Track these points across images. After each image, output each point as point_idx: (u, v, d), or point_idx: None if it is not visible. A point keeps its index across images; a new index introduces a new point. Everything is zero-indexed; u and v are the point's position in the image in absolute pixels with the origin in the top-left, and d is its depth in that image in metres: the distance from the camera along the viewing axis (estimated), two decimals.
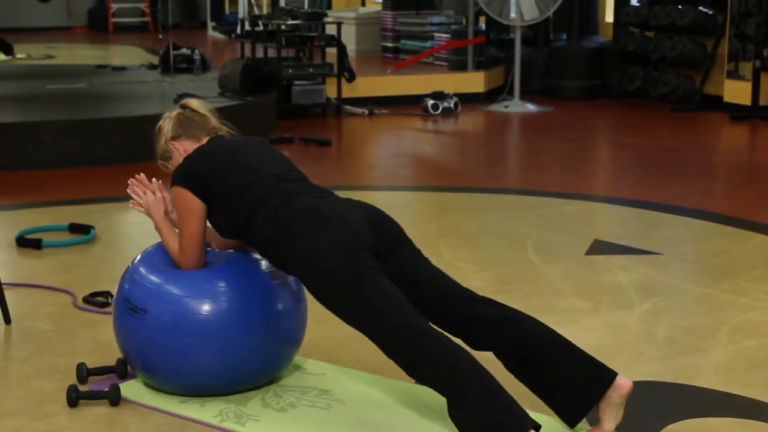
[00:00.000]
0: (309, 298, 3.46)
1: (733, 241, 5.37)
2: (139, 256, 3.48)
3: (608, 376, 3.05)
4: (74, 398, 3.32)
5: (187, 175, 3.29)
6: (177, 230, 3.39)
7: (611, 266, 4.91)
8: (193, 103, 3.55)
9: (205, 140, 3.44)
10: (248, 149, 3.40)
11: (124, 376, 3.51)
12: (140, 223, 5.95)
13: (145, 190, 3.50)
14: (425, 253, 3.30)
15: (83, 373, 3.49)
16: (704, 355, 3.79)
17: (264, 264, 3.39)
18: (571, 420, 3.08)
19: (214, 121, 3.51)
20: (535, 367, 3.08)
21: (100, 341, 3.92)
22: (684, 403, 3.38)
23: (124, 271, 3.48)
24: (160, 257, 3.44)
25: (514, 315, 3.14)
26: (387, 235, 3.20)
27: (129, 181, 3.53)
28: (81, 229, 5.45)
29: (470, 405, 2.85)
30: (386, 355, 3.02)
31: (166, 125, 3.48)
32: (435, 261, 3.31)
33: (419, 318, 2.98)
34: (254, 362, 3.35)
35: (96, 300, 4.34)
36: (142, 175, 3.54)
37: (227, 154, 3.33)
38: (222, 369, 3.31)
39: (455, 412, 2.89)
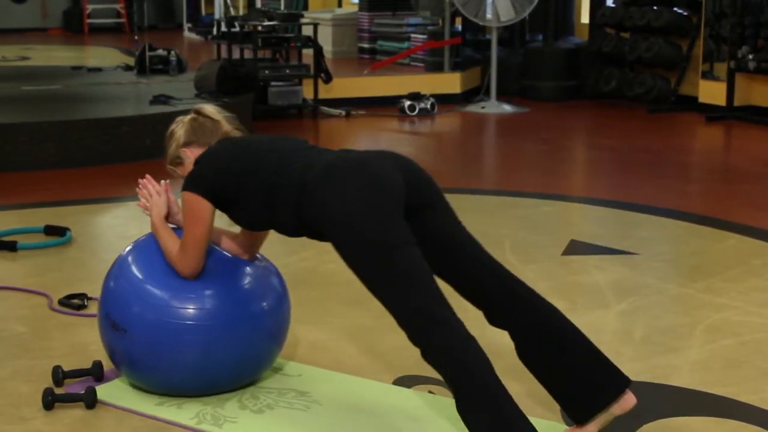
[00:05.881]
0: (293, 300, 3.46)
1: (708, 241, 5.40)
2: (117, 265, 3.41)
3: (622, 383, 3.01)
4: (50, 401, 3.30)
5: (196, 179, 3.15)
6: (179, 233, 3.27)
7: (588, 266, 4.92)
8: (208, 109, 3.41)
9: None
10: (255, 139, 3.29)
11: (100, 378, 3.49)
12: (116, 225, 5.94)
13: (152, 192, 3.38)
14: None
15: (59, 375, 3.47)
16: (680, 355, 3.80)
17: (245, 265, 3.38)
18: (579, 416, 3.02)
19: (227, 127, 3.38)
20: (552, 356, 3.02)
21: (75, 344, 3.90)
22: (660, 402, 3.39)
23: (105, 279, 3.42)
24: (138, 264, 3.37)
25: (541, 301, 3.08)
26: (423, 190, 3.06)
27: (139, 182, 3.40)
28: (56, 231, 5.42)
29: (479, 411, 2.77)
30: (408, 338, 2.88)
31: (179, 131, 3.35)
32: None
33: (444, 307, 2.85)
34: (237, 363, 3.34)
35: (72, 302, 4.32)
36: (148, 176, 3.42)
37: (235, 147, 3.21)
38: (206, 371, 3.30)
39: (462, 410, 2.80)
